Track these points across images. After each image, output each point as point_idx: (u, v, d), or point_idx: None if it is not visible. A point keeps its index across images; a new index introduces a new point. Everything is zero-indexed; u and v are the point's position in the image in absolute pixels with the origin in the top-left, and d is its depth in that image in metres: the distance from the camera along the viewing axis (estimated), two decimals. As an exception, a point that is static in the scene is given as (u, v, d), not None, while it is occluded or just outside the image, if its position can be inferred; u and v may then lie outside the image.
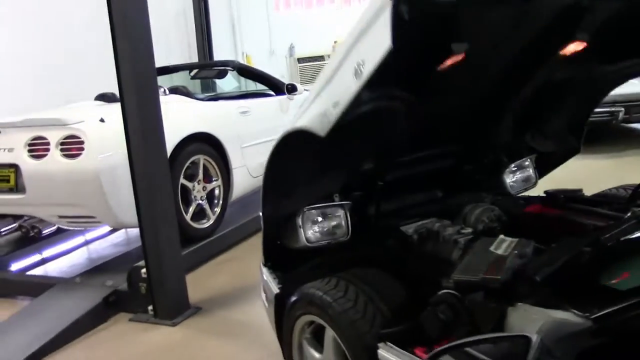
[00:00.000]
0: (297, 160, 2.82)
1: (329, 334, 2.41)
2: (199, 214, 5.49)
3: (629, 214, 2.48)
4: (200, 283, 4.93)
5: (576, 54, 2.57)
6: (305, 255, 2.93)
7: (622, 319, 1.84)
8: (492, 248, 2.31)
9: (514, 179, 3.71)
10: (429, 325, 2.02)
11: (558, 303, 1.89)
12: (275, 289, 2.85)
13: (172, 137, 5.10)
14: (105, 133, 4.85)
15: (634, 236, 2.23)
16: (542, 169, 3.86)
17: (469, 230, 2.85)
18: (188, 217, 5.32)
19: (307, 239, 2.80)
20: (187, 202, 5.36)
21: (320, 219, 2.88)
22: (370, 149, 2.81)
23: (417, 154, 3.00)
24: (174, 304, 4.53)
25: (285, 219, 2.86)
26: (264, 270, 3.06)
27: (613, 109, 8.61)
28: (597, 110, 8.50)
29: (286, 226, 2.86)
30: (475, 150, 3.27)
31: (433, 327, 2.01)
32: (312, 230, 2.86)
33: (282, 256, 2.99)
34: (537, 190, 3.55)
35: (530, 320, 1.90)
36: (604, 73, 3.14)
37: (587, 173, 7.55)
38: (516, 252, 2.26)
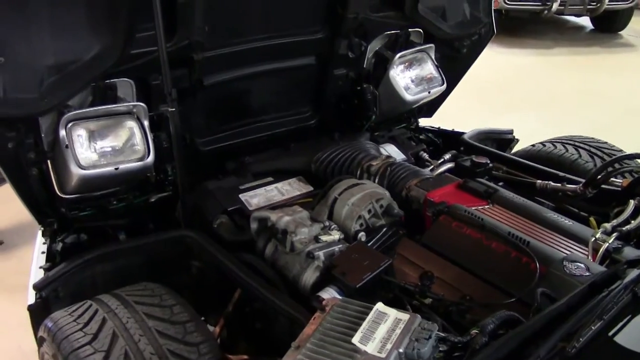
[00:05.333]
0: None
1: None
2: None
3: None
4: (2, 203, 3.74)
5: None
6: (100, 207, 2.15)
7: None
8: (356, 339, 1.18)
9: (407, 79, 2.67)
10: None
11: None
12: (32, 295, 1.93)
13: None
14: None
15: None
16: (453, 67, 2.88)
17: (336, 235, 1.74)
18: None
19: (79, 164, 1.87)
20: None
21: (97, 128, 1.95)
22: None
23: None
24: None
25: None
26: (38, 239, 2.13)
27: (547, -3, 7.44)
28: (528, -1, 7.60)
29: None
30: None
31: None
32: (87, 147, 1.93)
33: (58, 212, 2.10)
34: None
35: None
36: None
37: (510, 73, 6.57)
38: (402, 352, 1.15)
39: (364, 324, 1.21)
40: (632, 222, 1.78)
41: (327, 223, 1.80)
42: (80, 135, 1.92)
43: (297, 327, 1.55)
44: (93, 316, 1.59)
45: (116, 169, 1.93)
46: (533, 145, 2.71)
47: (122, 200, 2.19)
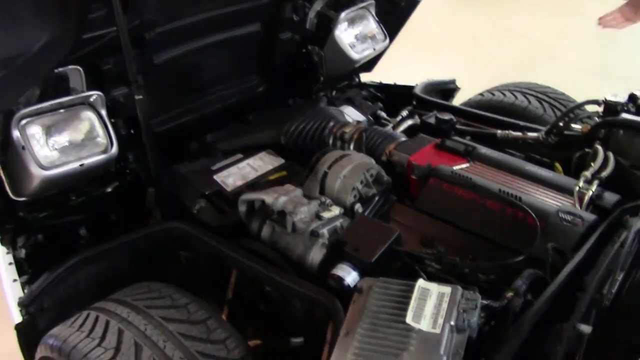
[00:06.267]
0: None
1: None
2: None
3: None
4: None
5: None
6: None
7: None
8: (409, 319, 1.22)
9: (352, 37, 2.69)
10: None
11: None
12: (17, 314, 1.81)
13: None
14: None
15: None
16: (391, 21, 2.88)
17: (336, 211, 1.75)
18: None
19: (40, 164, 1.74)
20: None
21: (53, 123, 1.82)
22: None
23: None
24: None
25: None
26: None
27: None
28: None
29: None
30: None
31: None
32: (45, 145, 1.80)
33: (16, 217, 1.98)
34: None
35: None
36: None
37: (418, 15, 6.69)
38: (453, 325, 1.20)
39: (412, 302, 1.25)
40: (597, 165, 1.91)
41: (322, 199, 1.80)
42: (35, 133, 1.76)
43: (316, 307, 1.57)
44: (107, 328, 1.49)
45: (81, 165, 1.80)
46: (482, 95, 2.81)
47: (81, 194, 2.07)
